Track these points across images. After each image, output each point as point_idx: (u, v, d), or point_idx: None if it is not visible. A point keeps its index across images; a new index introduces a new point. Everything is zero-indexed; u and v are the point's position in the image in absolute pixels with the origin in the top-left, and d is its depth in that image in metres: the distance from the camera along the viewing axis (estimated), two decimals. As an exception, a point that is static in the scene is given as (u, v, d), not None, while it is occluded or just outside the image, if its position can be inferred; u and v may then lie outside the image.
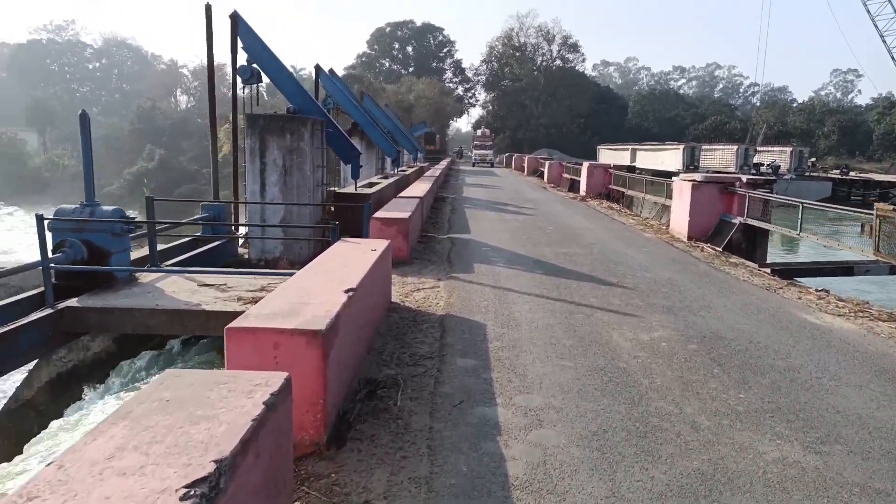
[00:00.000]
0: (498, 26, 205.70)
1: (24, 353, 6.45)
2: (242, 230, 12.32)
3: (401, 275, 8.31)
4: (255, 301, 7.27)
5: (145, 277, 8.35)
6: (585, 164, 22.75)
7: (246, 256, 11.99)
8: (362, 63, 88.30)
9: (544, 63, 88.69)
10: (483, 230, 12.91)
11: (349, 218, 12.33)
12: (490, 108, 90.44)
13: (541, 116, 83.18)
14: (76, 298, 7.25)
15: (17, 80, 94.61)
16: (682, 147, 48.77)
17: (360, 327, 4.78)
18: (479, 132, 65.31)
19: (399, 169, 23.70)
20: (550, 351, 5.22)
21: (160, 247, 11.13)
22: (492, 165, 54.77)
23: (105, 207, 7.76)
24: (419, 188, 14.69)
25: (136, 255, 9.85)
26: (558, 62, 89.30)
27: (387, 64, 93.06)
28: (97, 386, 13.83)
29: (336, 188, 16.40)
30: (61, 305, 7.00)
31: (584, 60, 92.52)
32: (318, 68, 19.94)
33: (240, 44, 12.41)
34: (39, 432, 12.90)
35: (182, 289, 7.83)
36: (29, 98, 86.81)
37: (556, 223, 14.36)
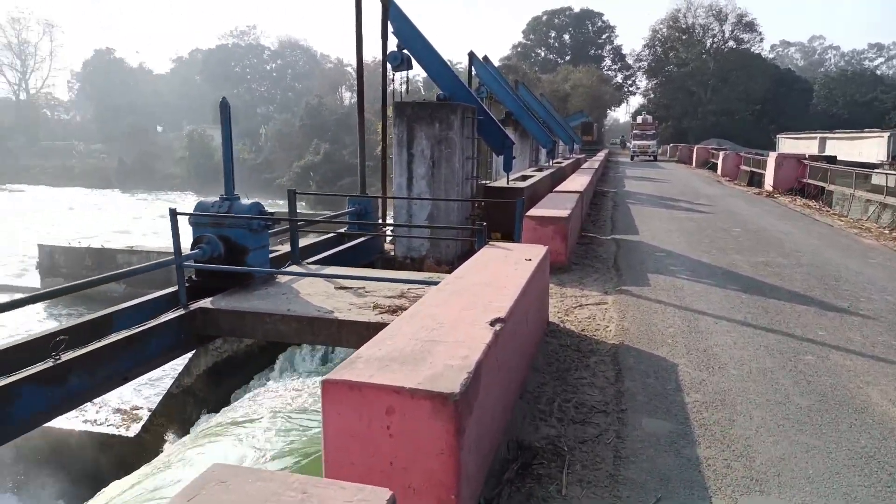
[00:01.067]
0: (662, 8, 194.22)
1: (152, 357, 6.02)
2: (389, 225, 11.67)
3: (559, 284, 7.02)
4: (392, 310, 6.37)
5: (283, 276, 7.81)
6: (773, 155, 19.76)
7: (392, 254, 11.32)
8: (518, 53, 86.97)
9: (715, 45, 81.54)
10: (653, 230, 11.18)
11: (500, 214, 11.21)
12: (652, 95, 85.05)
13: (709, 103, 76.64)
14: (210, 299, 6.79)
15: (208, 83, 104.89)
16: (886, 135, 42.02)
17: (510, 369, 3.59)
18: (639, 119, 54.93)
19: (554, 161, 22.22)
20: (779, 414, 3.68)
21: (304, 242, 10.77)
22: (654, 158, 45.92)
23: (244, 202, 7.26)
24: (578, 181, 13.22)
25: (282, 248, 9.47)
26: (731, 43, 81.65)
27: (542, 53, 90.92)
28: (257, 375, 13.91)
29: (487, 181, 15.37)
30: (194, 306, 6.55)
31: (761, 40, 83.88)
32: (471, 55, 19.02)
33: (390, 28, 11.72)
34: (198, 417, 13.18)
35: (318, 290, 7.15)
36: (215, 98, 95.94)
37: (742, 224, 12.19)
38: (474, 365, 2.64)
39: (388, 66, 12.20)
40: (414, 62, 11.91)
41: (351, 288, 7.24)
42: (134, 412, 12.52)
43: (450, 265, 10.82)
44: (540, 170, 17.30)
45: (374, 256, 11.20)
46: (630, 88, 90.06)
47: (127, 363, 5.68)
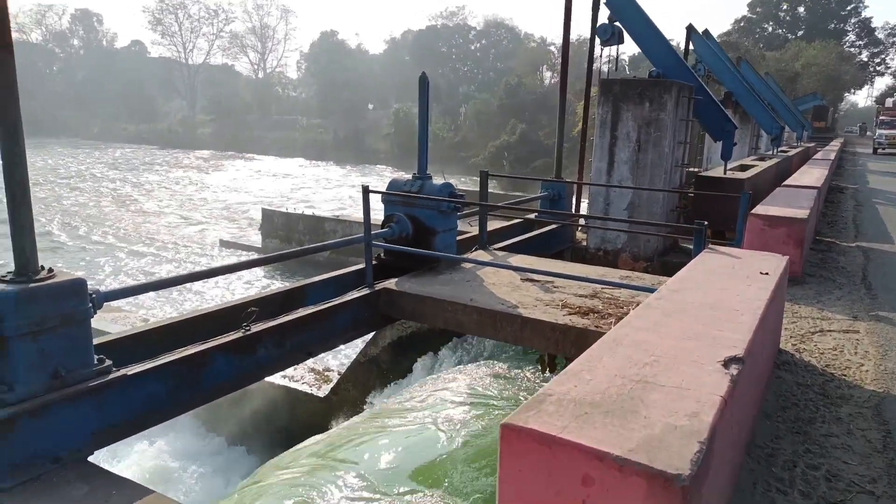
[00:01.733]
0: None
1: (336, 335, 6.00)
2: (583, 213, 10.87)
3: (790, 299, 5.81)
4: (584, 312, 5.70)
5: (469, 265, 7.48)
6: None
7: (584, 244, 10.55)
8: (740, 29, 78.93)
9: None
10: (914, 239, 9.10)
11: (712, 209, 9.90)
12: (906, 76, 72.51)
13: (984, 86, 63.31)
14: (395, 280, 6.65)
15: (416, 62, 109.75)
16: None
17: (742, 424, 2.77)
18: (888, 103, 46.40)
19: (779, 149, 19.55)
20: None
21: (494, 225, 10.39)
22: None
23: (435, 181, 7.01)
24: (812, 175, 11.25)
25: (471, 229, 9.18)
26: None
27: (770, 28, 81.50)
28: (432, 353, 14.05)
29: (697, 169, 13.86)
30: (379, 286, 6.45)
31: None
32: (689, 28, 17.22)
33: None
34: (382, 388, 13.64)
35: (503, 280, 6.70)
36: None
37: None
38: (708, 430, 1.93)
39: (597, 40, 11.32)
40: (626, 36, 10.88)
41: (538, 281, 6.68)
42: (325, 373, 13.26)
43: (648, 261, 9.80)
44: (762, 159, 15.19)
45: (565, 246, 10.52)
46: (878, 68, 77.63)
47: (313, 338, 5.68)
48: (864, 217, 11.20)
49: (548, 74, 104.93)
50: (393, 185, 7.10)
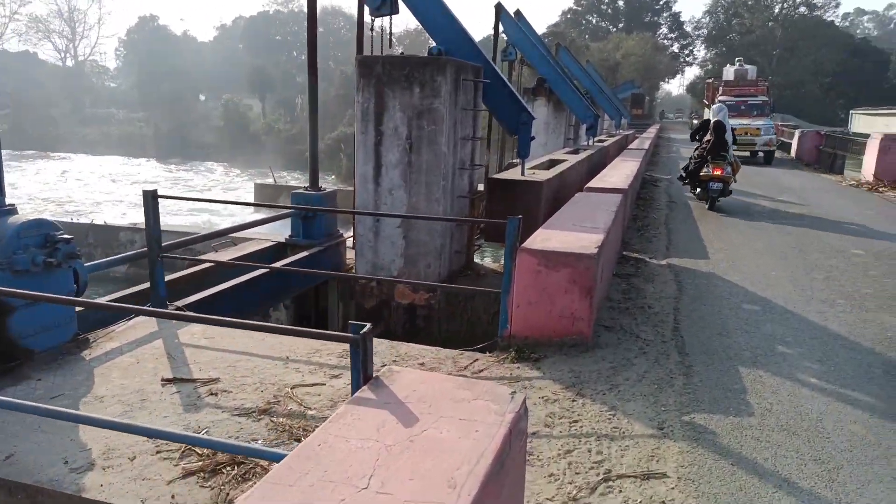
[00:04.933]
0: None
1: None
2: (351, 230, 8.45)
3: (570, 386, 3.76)
4: (211, 470, 3.20)
5: (136, 331, 4.73)
6: (876, 135, 15.63)
7: (353, 271, 8.14)
8: (567, 20, 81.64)
9: (784, 12, 74.64)
10: (731, 251, 7.67)
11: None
12: (710, 66, 78.80)
13: (774, 75, 70.24)
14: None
15: (249, 50, 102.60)
16: None
17: None
18: (728, 72, 31.88)
19: (596, 139, 18.54)
20: None
21: (231, 254, 7.67)
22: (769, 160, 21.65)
23: (14, 219, 4.10)
24: (621, 172, 9.71)
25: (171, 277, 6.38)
26: (802, 9, 74.63)
27: (594, 20, 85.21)
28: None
29: (501, 172, 12.02)
30: None
31: (837, 6, 76.49)
32: (498, 7, 15.43)
33: (367, -44, 8.44)
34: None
35: (132, 387, 4.05)
36: (254, 66, 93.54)
37: (863, 240, 8.52)
38: None
39: (366, 9, 8.95)
40: (402, 5, 8.58)
41: (196, 381, 4.07)
42: None
43: (431, 292, 7.60)
44: (575, 152, 13.80)
45: (326, 278, 8.05)
46: (686, 58, 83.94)
47: None
48: (676, 219, 9.84)
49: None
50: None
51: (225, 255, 7.91)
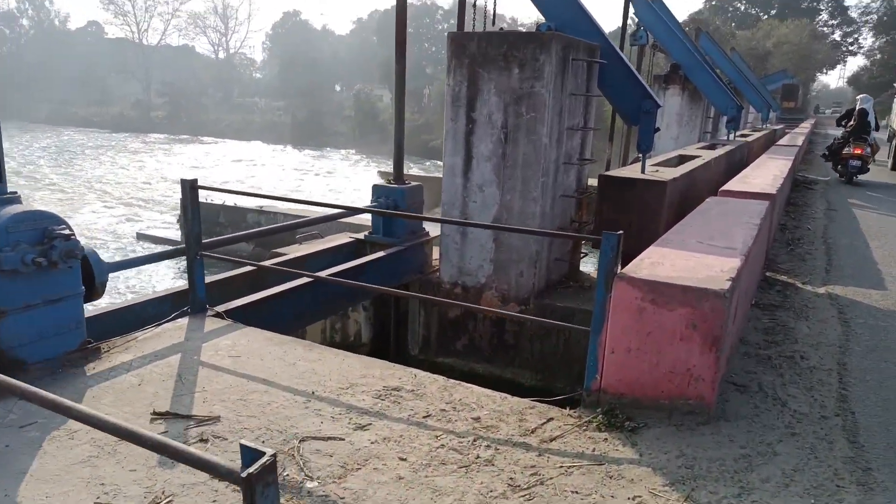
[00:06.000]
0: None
1: None
2: (434, 230, 7.51)
3: (677, 481, 2.57)
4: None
5: (158, 341, 4.12)
6: None
7: (437, 276, 7.23)
8: (711, 7, 75.80)
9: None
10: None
11: (627, 225, 6.70)
12: (878, 56, 69.95)
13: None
14: None
15: (383, 43, 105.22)
16: None
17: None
18: None
19: (738, 134, 16.35)
20: None
21: (305, 250, 7.03)
22: None
23: (11, 209, 3.55)
24: (768, 172, 8.02)
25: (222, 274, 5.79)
26: None
27: (742, 6, 78.48)
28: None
29: (622, 168, 10.67)
30: None
31: None
32: (628, -15, 13.88)
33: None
34: None
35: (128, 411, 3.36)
36: (384, 58, 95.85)
37: None
38: None
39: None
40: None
41: (190, 418, 3.33)
42: None
43: (523, 304, 6.53)
44: (712, 147, 11.98)
45: (410, 278, 7.20)
46: (850, 48, 75.15)
47: None
48: (837, 231, 8.00)
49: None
50: None
51: (308, 248, 7.29)
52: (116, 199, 30.47)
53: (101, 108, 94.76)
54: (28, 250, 3.43)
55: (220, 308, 4.82)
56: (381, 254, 6.75)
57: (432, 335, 7.40)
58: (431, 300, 6.98)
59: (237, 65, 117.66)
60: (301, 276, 4.76)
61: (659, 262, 3.54)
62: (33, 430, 3.06)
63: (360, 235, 7.27)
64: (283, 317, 5.41)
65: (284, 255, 7.30)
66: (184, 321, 4.55)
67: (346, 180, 41.77)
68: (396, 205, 7.00)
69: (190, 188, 4.48)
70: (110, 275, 4.26)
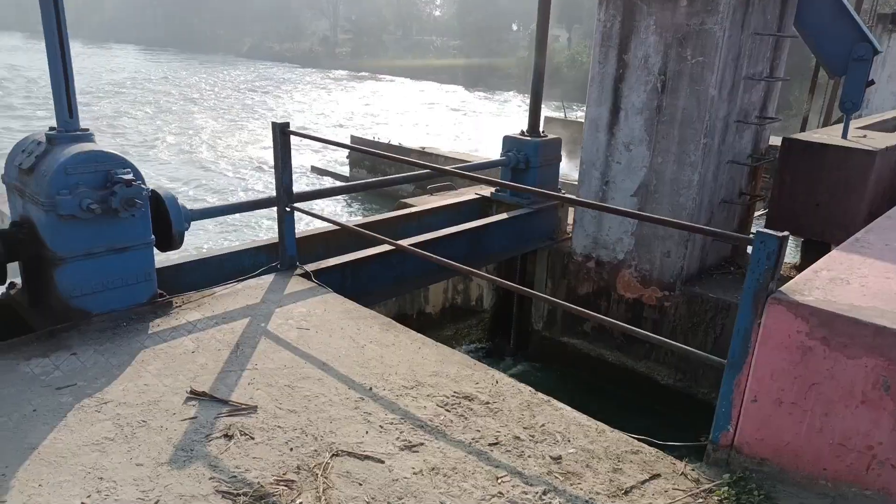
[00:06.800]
0: None
1: None
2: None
3: None
4: None
5: (233, 300, 3.86)
6: None
7: (569, 245, 6.37)
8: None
9: None
10: None
11: (812, 202, 5.45)
12: None
13: None
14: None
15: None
16: None
17: None
18: None
19: None
20: None
21: (420, 204, 6.51)
22: None
23: (82, 146, 3.30)
24: None
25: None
26: None
27: None
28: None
29: (814, 130, 8.92)
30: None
31: None
32: None
33: None
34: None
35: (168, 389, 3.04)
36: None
37: None
38: None
39: None
40: None
41: (225, 403, 2.95)
42: None
43: (667, 290, 5.55)
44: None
45: (538, 245, 6.44)
46: None
47: None
48: None
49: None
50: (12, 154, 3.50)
51: (432, 202, 6.76)
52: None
53: (294, 44, 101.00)
54: (87, 194, 3.18)
55: (312, 267, 4.43)
56: (504, 216, 6.02)
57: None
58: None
59: (417, 1, 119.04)
60: (381, 242, 4.16)
61: (843, 277, 2.48)
62: (67, 395, 2.84)
63: (488, 192, 6.56)
64: (380, 281, 4.95)
65: (412, 206, 6.83)
66: (268, 279, 4.22)
67: (510, 123, 40.86)
68: (528, 159, 6.16)
69: (280, 132, 4.05)
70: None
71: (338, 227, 4.82)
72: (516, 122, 42.79)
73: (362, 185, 5.86)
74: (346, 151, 25.23)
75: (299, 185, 20.25)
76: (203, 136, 28.10)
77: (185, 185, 19.79)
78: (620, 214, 4.24)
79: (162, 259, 4.09)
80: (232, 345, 3.35)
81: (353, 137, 24.66)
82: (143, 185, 3.36)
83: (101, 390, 2.88)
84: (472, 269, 3.68)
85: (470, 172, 5.26)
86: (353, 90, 57.07)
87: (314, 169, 25.40)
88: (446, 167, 4.74)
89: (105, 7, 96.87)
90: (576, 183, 6.21)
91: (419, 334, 3.61)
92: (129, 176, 3.26)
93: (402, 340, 3.52)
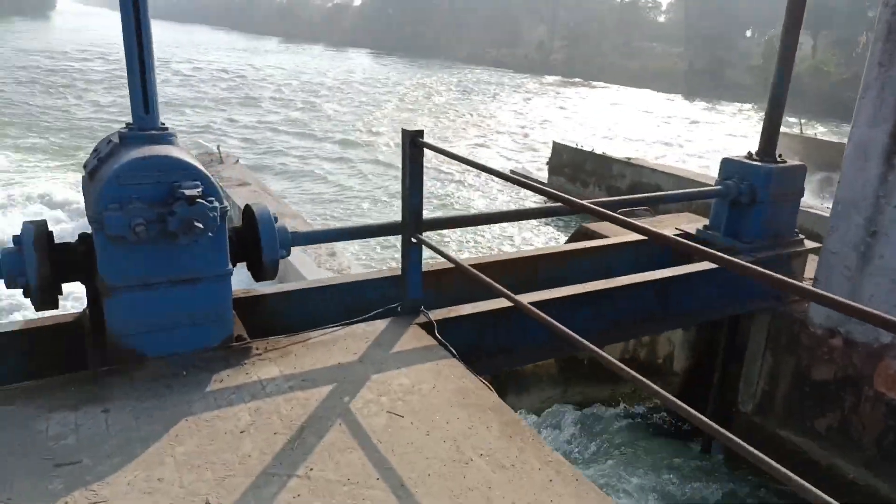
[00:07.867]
0: None
1: None
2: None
3: None
4: None
5: (332, 351, 3.04)
6: None
7: (804, 312, 4.65)
8: None
9: None
10: None
11: None
12: None
13: None
14: None
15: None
16: None
17: None
18: None
19: None
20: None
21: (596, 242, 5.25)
22: None
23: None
24: None
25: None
26: None
27: None
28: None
29: None
30: None
31: None
32: None
33: None
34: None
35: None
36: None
37: None
38: None
39: None
40: None
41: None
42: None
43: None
44: None
45: (760, 305, 4.86)
46: None
47: None
48: None
49: None
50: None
51: (616, 235, 5.46)
52: (496, 134, 31.97)
53: (511, 50, 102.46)
54: (140, 211, 2.48)
55: (439, 314, 3.44)
56: (712, 266, 4.52)
57: (779, 394, 4.90)
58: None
59: (642, 7, 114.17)
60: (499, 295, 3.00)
61: None
62: (59, 481, 2.12)
63: (692, 228, 5.07)
64: (531, 336, 3.80)
65: (593, 233, 5.60)
66: (380, 325, 3.31)
67: (733, 140, 36.67)
68: (754, 191, 4.57)
69: (410, 142, 3.11)
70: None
71: (478, 264, 3.78)
72: (745, 136, 38.34)
73: (514, 213, 4.72)
74: (548, 153, 24.19)
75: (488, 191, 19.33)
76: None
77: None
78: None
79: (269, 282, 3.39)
80: (295, 428, 2.46)
81: (554, 143, 23.58)
82: (215, 203, 2.60)
83: (102, 479, 2.14)
84: (606, 355, 2.43)
85: (675, 199, 3.90)
86: (558, 97, 55.75)
87: (514, 173, 24.52)
88: (637, 196, 3.46)
89: (345, 17, 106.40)
90: (824, 217, 4.50)
91: (556, 454, 2.41)
92: (196, 191, 2.51)
93: (527, 461, 2.36)
